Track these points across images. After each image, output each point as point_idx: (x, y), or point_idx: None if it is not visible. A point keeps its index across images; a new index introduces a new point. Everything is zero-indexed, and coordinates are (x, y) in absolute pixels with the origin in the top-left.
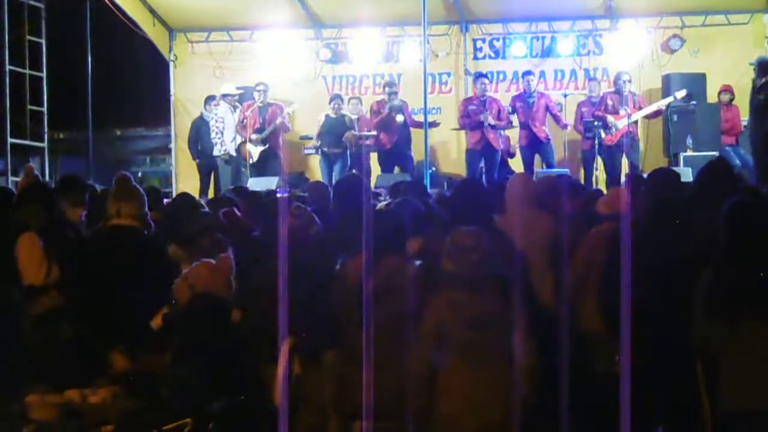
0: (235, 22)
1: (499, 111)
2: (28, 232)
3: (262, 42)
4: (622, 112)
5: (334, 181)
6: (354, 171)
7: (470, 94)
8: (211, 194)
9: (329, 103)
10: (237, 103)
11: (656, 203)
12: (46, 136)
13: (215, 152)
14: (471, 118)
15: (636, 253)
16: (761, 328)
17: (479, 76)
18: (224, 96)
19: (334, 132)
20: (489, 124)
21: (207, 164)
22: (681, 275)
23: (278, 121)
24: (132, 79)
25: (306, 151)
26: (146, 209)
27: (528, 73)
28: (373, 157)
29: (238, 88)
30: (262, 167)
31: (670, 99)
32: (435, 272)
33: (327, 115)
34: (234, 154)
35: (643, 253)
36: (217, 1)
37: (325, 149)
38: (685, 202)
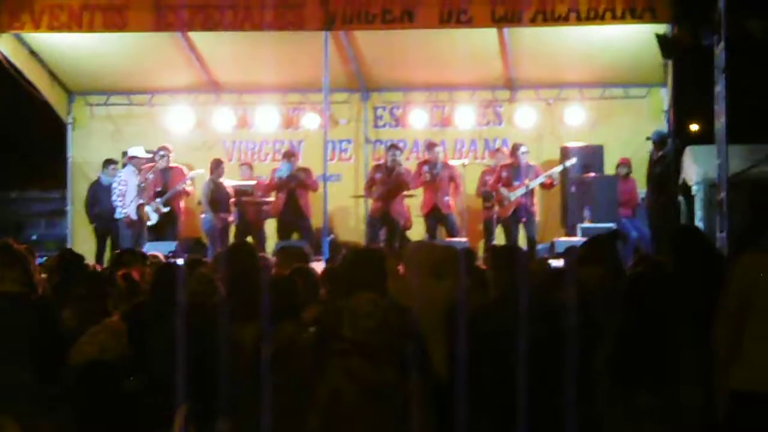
0: (135, 86)
1: (450, 177)
2: None
3: (161, 106)
4: (516, 184)
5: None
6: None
7: (370, 162)
8: (107, 259)
9: (212, 170)
10: (143, 167)
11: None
12: None
13: (117, 215)
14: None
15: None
16: (657, 399)
17: (392, 146)
18: (131, 158)
19: (221, 199)
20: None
21: (103, 228)
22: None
23: (179, 186)
24: (29, 140)
25: (203, 216)
26: (32, 273)
27: (434, 144)
28: (271, 223)
29: (147, 152)
30: (160, 231)
31: (560, 168)
32: (331, 338)
33: (211, 180)
34: (135, 218)
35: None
36: (117, 65)
37: (213, 216)
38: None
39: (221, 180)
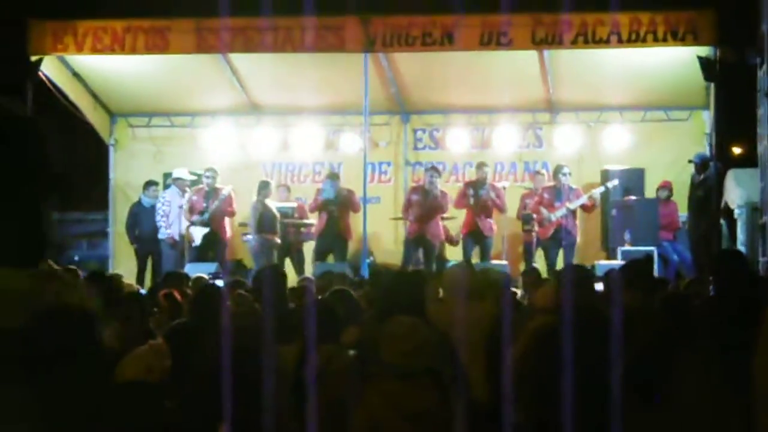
0: (177, 108)
1: (497, 197)
2: None
3: (202, 128)
4: (557, 205)
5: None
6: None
7: (410, 184)
8: (149, 279)
9: (259, 191)
10: (187, 188)
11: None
12: None
13: (160, 235)
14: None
15: (566, 350)
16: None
17: (431, 168)
18: (176, 180)
19: (267, 221)
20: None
21: (145, 249)
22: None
23: (215, 204)
24: (71, 162)
25: (244, 238)
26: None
27: (484, 164)
28: (309, 246)
29: (191, 173)
30: (203, 251)
31: (601, 190)
32: (370, 362)
33: (259, 203)
34: (178, 238)
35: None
36: (159, 87)
37: (260, 237)
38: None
39: (267, 201)
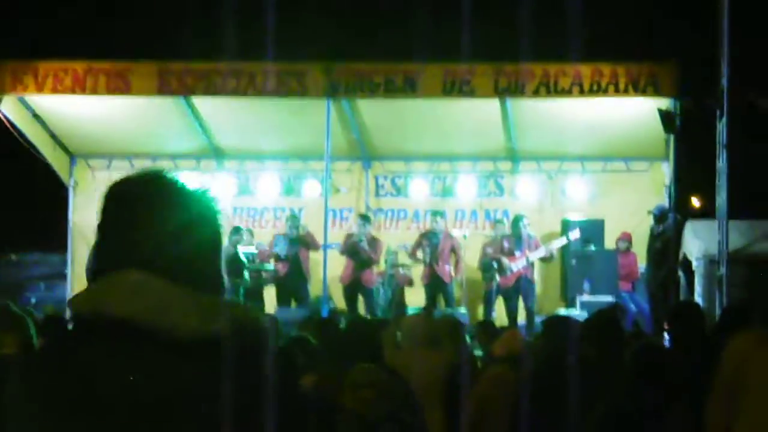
0: (138, 150)
1: (451, 248)
2: None
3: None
4: (517, 254)
5: None
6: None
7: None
8: None
9: (230, 236)
10: None
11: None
12: None
13: None
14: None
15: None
16: None
17: (360, 216)
18: None
19: (235, 266)
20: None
21: None
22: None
23: None
24: (30, 203)
25: None
26: (31, 336)
27: (437, 213)
28: (271, 290)
29: None
30: None
31: (563, 240)
32: (331, 408)
33: (229, 248)
34: None
35: (540, 397)
36: (120, 129)
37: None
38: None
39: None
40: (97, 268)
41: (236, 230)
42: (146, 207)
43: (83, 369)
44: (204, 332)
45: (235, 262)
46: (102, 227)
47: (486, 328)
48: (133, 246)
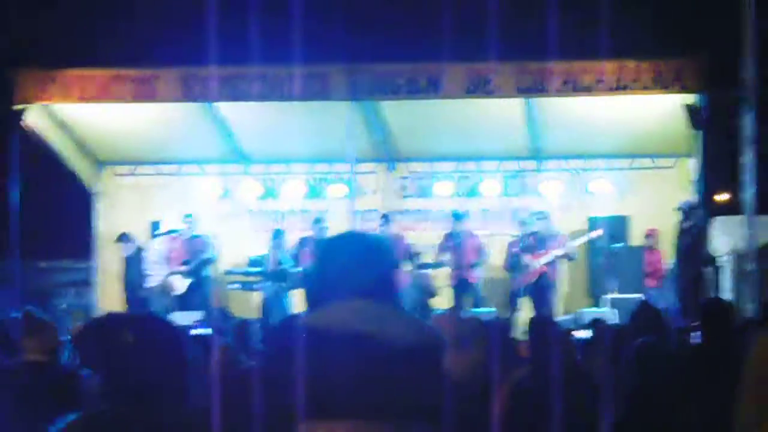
0: (164, 156)
1: (475, 247)
2: None
3: (189, 176)
4: (542, 252)
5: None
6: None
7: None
8: None
9: (272, 240)
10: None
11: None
12: None
13: (147, 284)
14: None
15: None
16: None
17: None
18: (163, 228)
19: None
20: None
21: (131, 298)
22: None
23: (205, 254)
24: (57, 210)
25: (230, 286)
26: (57, 341)
27: (457, 216)
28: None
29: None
30: (188, 300)
31: (585, 238)
32: None
33: (275, 250)
34: (164, 287)
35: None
36: (145, 135)
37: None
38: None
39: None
40: (321, 297)
41: (278, 233)
42: (357, 256)
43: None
44: (413, 341)
45: (282, 264)
46: (322, 269)
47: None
48: (353, 282)
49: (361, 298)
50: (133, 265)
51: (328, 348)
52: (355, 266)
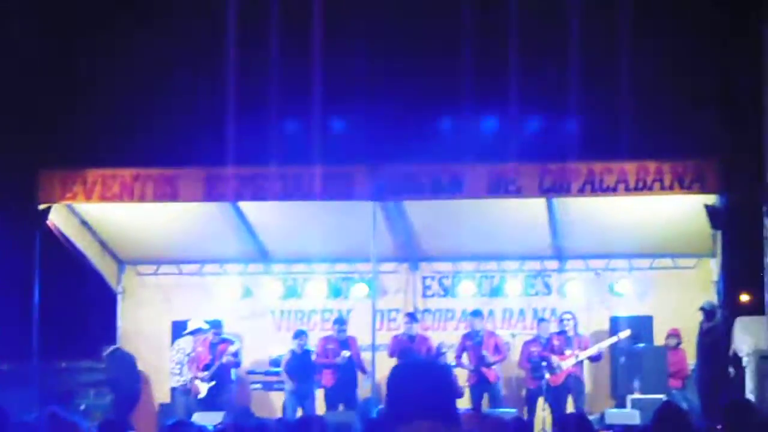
0: (186, 255)
1: (495, 346)
2: None
3: (211, 275)
4: (567, 353)
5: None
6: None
7: (415, 332)
8: None
9: (294, 339)
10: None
11: None
12: None
13: (173, 383)
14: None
15: None
16: None
17: (408, 314)
18: (195, 331)
19: (302, 368)
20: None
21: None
22: None
23: (224, 359)
24: (79, 310)
25: (252, 386)
26: None
27: (475, 313)
28: (319, 394)
29: (207, 322)
30: (210, 402)
31: (613, 339)
32: None
33: (292, 352)
34: (189, 387)
35: None
36: (168, 235)
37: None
38: None
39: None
40: (396, 416)
41: (300, 333)
42: (424, 383)
43: None
44: None
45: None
46: (393, 394)
47: None
48: (421, 406)
49: (432, 420)
50: None
51: None
52: (428, 392)
